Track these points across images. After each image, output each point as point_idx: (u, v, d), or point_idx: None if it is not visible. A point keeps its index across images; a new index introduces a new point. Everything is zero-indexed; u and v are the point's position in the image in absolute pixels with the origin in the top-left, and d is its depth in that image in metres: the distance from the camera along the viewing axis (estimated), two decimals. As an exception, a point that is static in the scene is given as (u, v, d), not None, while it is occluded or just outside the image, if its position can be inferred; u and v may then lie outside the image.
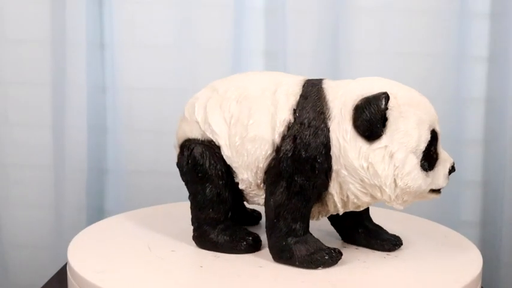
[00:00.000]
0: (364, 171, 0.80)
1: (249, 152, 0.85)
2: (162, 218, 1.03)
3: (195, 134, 0.89)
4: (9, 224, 1.38)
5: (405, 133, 0.79)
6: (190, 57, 1.31)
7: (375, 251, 0.90)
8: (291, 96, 0.85)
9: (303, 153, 0.81)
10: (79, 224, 1.31)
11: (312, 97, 0.83)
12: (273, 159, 0.84)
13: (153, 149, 1.34)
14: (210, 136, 0.88)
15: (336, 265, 0.84)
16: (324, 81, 0.86)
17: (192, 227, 0.91)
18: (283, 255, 0.83)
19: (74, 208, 1.34)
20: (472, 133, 1.32)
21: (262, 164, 0.85)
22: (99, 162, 1.37)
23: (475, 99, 1.31)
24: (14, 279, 1.39)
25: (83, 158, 1.33)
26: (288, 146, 0.82)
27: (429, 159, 0.82)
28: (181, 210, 1.07)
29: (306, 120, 0.82)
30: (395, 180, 0.80)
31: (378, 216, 1.01)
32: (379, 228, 0.93)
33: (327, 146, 0.81)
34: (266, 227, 0.85)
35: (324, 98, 0.83)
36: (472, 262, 0.87)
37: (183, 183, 0.91)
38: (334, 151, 0.81)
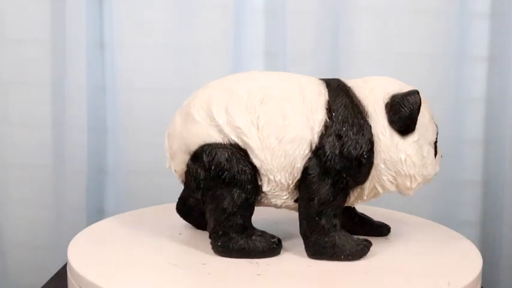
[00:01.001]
0: (402, 164, 0.86)
1: (287, 153, 0.85)
2: (162, 218, 1.03)
3: (215, 138, 0.85)
4: (9, 224, 1.37)
5: (426, 127, 0.88)
6: (190, 58, 1.31)
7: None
8: (320, 96, 0.87)
9: (352, 150, 0.85)
10: (79, 224, 1.31)
11: (342, 96, 0.87)
12: (309, 158, 0.85)
13: (153, 149, 1.34)
14: (236, 139, 0.84)
15: (325, 266, 0.84)
16: (343, 81, 0.90)
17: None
18: (326, 251, 0.86)
19: (73, 208, 1.34)
20: (472, 133, 1.32)
21: (300, 164, 0.85)
22: (99, 163, 1.37)
23: (475, 99, 1.31)
24: (14, 279, 1.39)
25: (83, 158, 1.33)
26: (334, 144, 0.85)
27: (435, 148, 0.90)
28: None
29: (348, 119, 0.85)
30: (422, 170, 0.87)
31: (378, 217, 1.02)
32: (367, 216, 0.98)
33: (371, 142, 0.85)
34: (304, 226, 0.86)
35: (355, 96, 0.87)
36: (472, 262, 0.87)
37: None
38: (376, 147, 0.86)
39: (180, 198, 0.98)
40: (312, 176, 0.85)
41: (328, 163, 0.84)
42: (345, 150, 0.84)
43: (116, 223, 1.02)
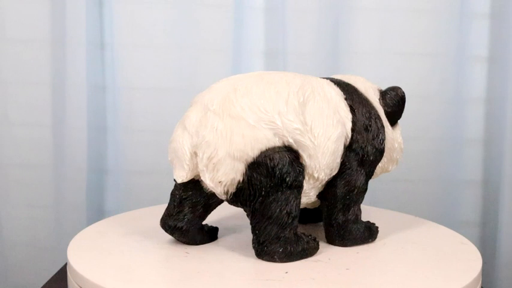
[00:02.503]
0: (394, 151, 0.96)
1: (334, 150, 0.86)
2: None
3: (274, 142, 0.82)
4: (9, 224, 1.38)
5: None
6: (190, 57, 1.31)
7: (370, 249, 0.91)
8: (338, 94, 0.90)
9: (380, 141, 0.92)
10: (79, 224, 1.31)
11: (353, 94, 0.92)
12: (346, 154, 0.89)
13: (153, 149, 1.34)
14: (291, 141, 0.83)
15: (337, 264, 0.84)
16: (342, 79, 0.94)
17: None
18: (363, 236, 0.92)
19: (74, 208, 1.34)
20: (472, 133, 1.32)
21: (339, 159, 0.88)
22: (99, 162, 1.37)
23: (475, 99, 1.31)
24: (14, 279, 1.39)
25: (83, 158, 1.33)
26: (365, 138, 0.90)
27: None
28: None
29: (366, 113, 0.91)
30: (401, 155, 0.99)
31: (377, 217, 1.02)
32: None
33: (385, 133, 0.93)
34: (339, 216, 0.90)
35: (362, 94, 0.93)
36: (471, 262, 0.87)
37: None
38: (386, 137, 0.94)
39: (171, 216, 0.89)
40: (350, 169, 0.89)
41: (365, 156, 0.90)
42: (375, 141, 0.91)
43: (116, 223, 1.02)
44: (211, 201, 0.88)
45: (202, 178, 0.84)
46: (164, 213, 0.90)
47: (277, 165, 0.82)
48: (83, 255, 0.88)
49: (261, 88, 0.85)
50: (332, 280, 0.81)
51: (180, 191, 0.88)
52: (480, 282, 0.86)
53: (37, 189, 1.36)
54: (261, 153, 0.82)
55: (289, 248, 0.85)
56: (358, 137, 0.89)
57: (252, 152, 0.81)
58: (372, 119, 0.91)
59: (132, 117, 1.33)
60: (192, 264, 0.85)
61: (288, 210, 0.83)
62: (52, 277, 1.03)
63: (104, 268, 0.83)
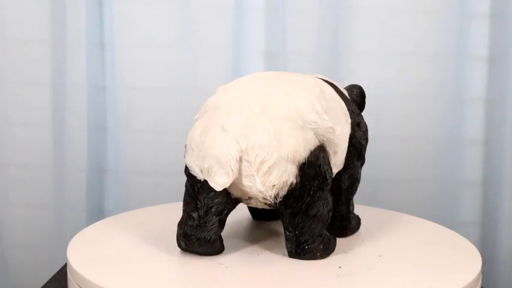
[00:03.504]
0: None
1: (346, 148, 0.90)
2: (162, 218, 1.03)
3: (316, 141, 0.83)
4: (9, 224, 1.37)
5: None
6: (190, 57, 1.31)
7: (369, 249, 0.90)
8: (337, 95, 0.92)
9: (367, 134, 0.97)
10: (79, 224, 1.31)
11: (339, 91, 0.94)
12: (349, 149, 0.91)
13: (153, 149, 1.34)
14: (325, 140, 0.84)
15: (335, 266, 0.85)
16: (325, 79, 0.96)
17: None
18: (357, 225, 0.98)
19: (74, 208, 1.34)
20: (472, 133, 1.32)
21: (345, 155, 0.91)
22: (99, 162, 1.37)
23: (475, 99, 1.31)
24: (14, 279, 1.39)
25: (83, 158, 1.33)
26: (359, 133, 0.94)
27: None
28: (181, 210, 1.07)
29: (354, 109, 0.94)
30: None
31: (377, 217, 1.02)
32: None
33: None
34: (343, 208, 0.94)
35: (344, 93, 0.96)
36: (471, 262, 0.87)
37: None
38: None
39: (197, 227, 0.84)
40: (352, 164, 0.93)
41: (361, 149, 0.94)
42: (365, 136, 0.96)
43: (116, 223, 1.02)
44: (233, 207, 0.86)
45: (246, 183, 0.81)
46: (184, 226, 0.84)
47: (323, 164, 0.83)
48: (83, 255, 0.88)
49: (294, 89, 0.85)
50: (329, 281, 0.81)
51: (207, 200, 0.82)
52: (480, 282, 0.86)
53: (37, 189, 1.36)
54: (311, 153, 0.82)
55: (327, 244, 0.87)
56: (355, 133, 0.92)
57: (304, 152, 0.81)
58: (359, 115, 0.96)
59: (132, 117, 1.33)
60: (193, 264, 0.85)
61: (329, 207, 0.85)
62: (52, 277, 1.03)
63: (104, 268, 0.83)
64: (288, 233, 0.85)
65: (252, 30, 1.31)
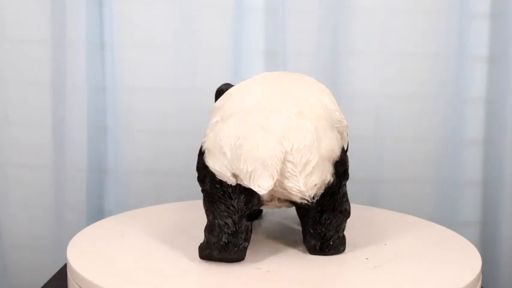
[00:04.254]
0: None
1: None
2: (162, 218, 1.03)
3: (340, 139, 0.88)
4: (9, 224, 1.37)
5: None
6: (190, 57, 1.31)
7: (369, 250, 0.91)
8: None
9: None
10: (79, 224, 1.31)
11: None
12: None
13: (153, 148, 1.34)
14: (341, 138, 0.88)
15: (337, 265, 0.85)
16: None
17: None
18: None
19: (74, 208, 1.34)
20: (472, 133, 1.32)
21: None
22: (99, 162, 1.37)
23: (475, 99, 1.31)
24: (14, 279, 1.39)
25: (83, 158, 1.33)
26: None
27: None
28: (182, 210, 1.07)
29: None
30: None
31: (377, 217, 1.02)
32: None
33: None
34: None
35: None
36: (471, 262, 0.87)
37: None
38: None
39: (235, 234, 0.82)
40: None
41: None
42: None
43: (116, 223, 1.02)
44: (260, 210, 0.87)
45: (288, 184, 0.82)
46: (220, 234, 0.82)
47: (348, 161, 0.86)
48: (83, 255, 0.88)
49: (316, 88, 0.87)
50: (327, 279, 0.81)
51: (240, 204, 0.82)
52: (480, 282, 0.86)
53: (37, 190, 1.36)
54: (341, 151, 0.85)
55: (345, 239, 0.89)
56: None
57: (338, 150, 0.84)
58: None
59: (132, 117, 1.33)
60: (194, 263, 0.85)
61: (349, 204, 0.88)
62: (52, 277, 1.03)
63: (104, 268, 0.83)
64: (312, 231, 0.86)
65: (252, 30, 1.31)
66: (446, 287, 0.80)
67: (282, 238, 0.95)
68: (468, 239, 0.97)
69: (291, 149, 0.80)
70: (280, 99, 0.83)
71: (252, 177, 0.80)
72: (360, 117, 1.29)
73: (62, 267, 1.05)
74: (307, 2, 1.28)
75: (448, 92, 1.30)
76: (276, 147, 0.80)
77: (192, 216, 1.03)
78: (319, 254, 0.87)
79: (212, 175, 0.82)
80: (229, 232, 0.82)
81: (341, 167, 0.84)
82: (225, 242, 0.82)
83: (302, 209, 0.85)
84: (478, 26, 1.29)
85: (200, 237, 0.94)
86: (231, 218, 0.81)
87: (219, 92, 0.93)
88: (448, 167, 1.32)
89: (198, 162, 0.85)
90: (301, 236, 0.89)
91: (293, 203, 0.85)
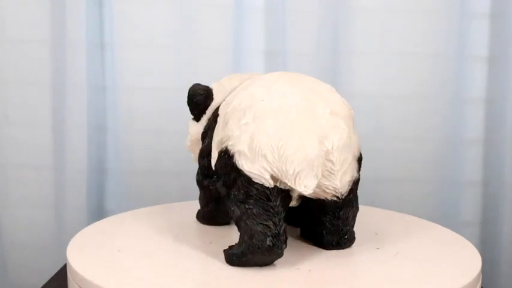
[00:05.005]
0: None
1: None
2: (162, 218, 1.03)
3: None
4: (9, 224, 1.37)
5: None
6: (190, 57, 1.31)
7: (369, 251, 0.91)
8: None
9: None
10: (79, 224, 1.31)
11: None
12: None
13: (153, 148, 1.34)
14: None
15: (333, 264, 0.85)
16: None
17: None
18: None
19: (74, 208, 1.34)
20: (472, 133, 1.32)
21: None
22: (99, 162, 1.37)
23: (475, 99, 1.31)
24: (14, 279, 1.39)
25: (83, 158, 1.33)
26: None
27: None
28: (182, 210, 1.07)
29: None
30: None
31: (377, 217, 1.02)
32: None
33: None
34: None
35: None
36: (471, 262, 0.87)
37: None
38: None
39: (279, 234, 0.81)
40: None
41: None
42: None
43: (116, 223, 1.02)
44: None
45: (326, 182, 0.83)
46: (264, 238, 0.80)
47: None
48: (83, 255, 0.88)
49: (330, 88, 0.88)
50: (328, 279, 0.81)
51: (279, 206, 0.81)
52: (480, 282, 0.86)
53: (37, 189, 1.36)
54: (360, 148, 0.88)
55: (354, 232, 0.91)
56: None
57: (359, 147, 0.88)
58: None
59: (132, 117, 1.33)
60: (194, 263, 0.85)
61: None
62: (52, 277, 1.03)
63: (104, 268, 0.83)
64: (331, 226, 0.87)
65: (252, 30, 1.31)
66: (446, 287, 0.80)
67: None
68: (468, 239, 0.97)
69: (332, 148, 0.81)
70: (314, 100, 0.83)
71: (297, 177, 0.80)
72: (360, 117, 1.29)
73: (62, 267, 1.05)
74: (307, 2, 1.28)
75: (448, 92, 1.30)
76: (319, 147, 0.81)
77: (192, 216, 1.03)
78: (334, 249, 0.89)
79: (247, 179, 0.80)
80: (273, 234, 0.80)
81: (360, 162, 0.88)
82: (269, 245, 0.80)
83: (321, 206, 0.86)
84: (478, 26, 1.29)
85: (200, 237, 0.94)
86: (272, 220, 0.80)
87: (199, 94, 0.98)
88: (448, 167, 1.32)
89: (223, 167, 0.83)
90: (299, 233, 0.91)
91: (312, 200, 0.85)
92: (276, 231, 0.80)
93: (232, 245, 0.85)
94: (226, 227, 0.99)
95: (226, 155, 0.82)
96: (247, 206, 0.80)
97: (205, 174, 0.95)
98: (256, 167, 0.80)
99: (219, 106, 0.93)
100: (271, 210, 0.80)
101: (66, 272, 0.89)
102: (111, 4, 1.30)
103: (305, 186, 0.80)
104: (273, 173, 0.80)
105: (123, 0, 1.30)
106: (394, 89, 1.31)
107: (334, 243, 0.88)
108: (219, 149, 0.84)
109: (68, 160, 1.33)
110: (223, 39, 1.30)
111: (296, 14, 1.28)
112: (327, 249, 0.89)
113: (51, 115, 1.34)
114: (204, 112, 0.98)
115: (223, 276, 0.81)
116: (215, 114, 0.93)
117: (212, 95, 0.98)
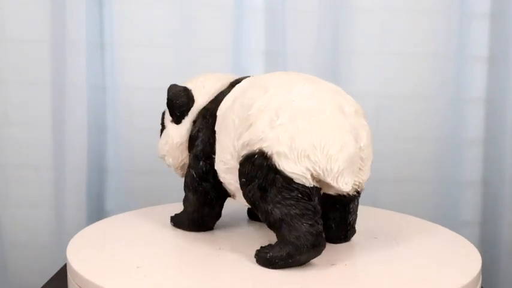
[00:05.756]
0: None
1: None
2: (162, 218, 1.03)
3: None
4: (9, 224, 1.37)
5: None
6: (190, 57, 1.31)
7: (369, 250, 0.91)
8: None
9: None
10: (79, 224, 1.31)
11: None
12: None
13: (153, 148, 1.33)
14: None
15: (332, 265, 0.85)
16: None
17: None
18: None
19: (74, 208, 1.34)
20: (472, 133, 1.32)
21: None
22: (99, 162, 1.37)
23: (475, 99, 1.31)
24: (14, 279, 1.39)
25: (83, 158, 1.33)
26: None
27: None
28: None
29: None
30: None
31: (377, 217, 1.01)
32: None
33: None
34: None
35: None
36: (471, 262, 0.87)
37: None
38: None
39: (321, 232, 0.82)
40: None
41: None
42: None
43: (116, 223, 1.02)
44: None
45: (355, 179, 0.85)
46: (310, 236, 0.80)
47: None
48: (83, 255, 0.88)
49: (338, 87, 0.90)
50: (330, 279, 0.81)
51: (318, 204, 0.82)
52: (480, 282, 0.86)
53: (37, 189, 1.36)
54: None
55: None
56: None
57: None
58: None
59: (132, 117, 1.33)
60: (194, 263, 0.85)
61: None
62: (52, 277, 1.03)
63: (104, 268, 0.83)
64: (341, 220, 0.89)
65: (252, 30, 1.31)
66: (446, 287, 0.80)
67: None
68: (468, 239, 0.97)
69: (363, 146, 0.84)
70: (339, 99, 0.85)
71: (340, 176, 0.81)
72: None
73: (62, 267, 1.05)
74: (307, 2, 1.28)
75: (448, 92, 1.30)
76: (355, 145, 0.83)
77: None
78: (341, 242, 0.91)
79: (288, 179, 0.80)
80: (318, 233, 0.81)
81: None
82: (316, 244, 0.81)
83: (335, 201, 0.87)
84: (478, 26, 1.29)
85: (200, 237, 0.94)
86: (314, 219, 0.81)
87: (181, 95, 0.97)
88: (448, 167, 1.32)
89: (256, 169, 0.82)
90: None
91: (328, 196, 0.86)
92: (320, 230, 0.81)
93: (264, 248, 0.84)
94: (220, 227, 0.99)
95: (260, 157, 0.81)
96: (289, 207, 0.80)
97: (203, 177, 0.92)
98: (298, 168, 0.80)
99: (204, 107, 0.93)
100: (313, 210, 0.81)
101: (66, 272, 0.89)
102: (111, 4, 1.30)
103: (346, 183, 0.82)
104: (315, 172, 0.80)
105: (123, 0, 1.30)
106: (394, 89, 1.31)
107: (342, 236, 0.91)
108: (247, 152, 0.82)
109: (68, 160, 1.33)
110: (223, 39, 1.30)
111: (296, 14, 1.28)
112: (335, 243, 0.90)
113: (51, 115, 1.34)
114: (186, 114, 0.96)
115: (225, 275, 0.81)
116: (204, 116, 0.92)
117: (193, 96, 0.96)
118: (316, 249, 0.81)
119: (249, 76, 0.95)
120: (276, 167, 0.80)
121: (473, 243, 0.95)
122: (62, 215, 1.35)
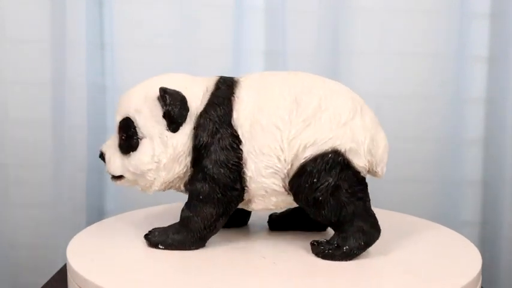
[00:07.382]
0: None
1: None
2: (162, 218, 1.03)
3: None
4: (9, 224, 1.37)
5: None
6: (190, 57, 1.31)
7: (369, 250, 0.90)
8: None
9: None
10: (79, 224, 1.31)
11: None
12: None
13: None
14: None
15: (328, 266, 0.84)
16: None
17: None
18: None
19: (73, 208, 1.34)
20: (472, 133, 1.32)
21: None
22: (99, 162, 1.36)
23: (475, 99, 1.32)
24: (14, 279, 1.39)
25: (83, 158, 1.33)
26: None
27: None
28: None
29: None
30: None
31: (378, 217, 1.01)
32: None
33: None
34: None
35: None
36: (471, 262, 0.87)
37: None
38: None
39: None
40: None
41: None
42: None
43: (116, 223, 1.02)
44: None
45: (373, 170, 0.89)
46: (378, 224, 0.89)
47: None
48: (82, 255, 0.88)
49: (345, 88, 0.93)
50: (330, 278, 0.81)
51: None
52: (480, 282, 0.86)
53: (37, 189, 1.36)
54: None
55: None
56: None
57: None
58: None
59: (132, 117, 1.33)
60: (194, 263, 0.85)
61: None
62: (52, 277, 1.03)
63: (104, 268, 0.83)
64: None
65: (252, 30, 1.31)
66: (447, 286, 0.80)
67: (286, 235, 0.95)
68: (468, 239, 0.97)
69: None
70: (347, 95, 0.90)
71: (384, 165, 0.89)
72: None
73: (62, 267, 1.05)
74: (307, 2, 1.28)
75: (448, 92, 1.30)
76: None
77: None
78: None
79: (356, 173, 0.86)
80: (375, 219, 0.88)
81: None
82: (380, 230, 0.88)
83: None
84: (478, 26, 1.29)
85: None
86: (367, 204, 0.89)
87: (183, 101, 0.87)
88: (448, 167, 1.32)
89: (329, 168, 0.85)
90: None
91: None
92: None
93: (328, 243, 0.87)
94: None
95: (334, 155, 0.84)
96: (363, 200, 0.87)
97: (229, 186, 0.86)
98: (363, 161, 0.87)
99: (205, 111, 0.87)
100: (366, 197, 0.88)
101: (66, 272, 0.89)
102: (111, 4, 1.30)
103: (382, 172, 0.90)
104: (369, 165, 0.88)
105: (123, 0, 1.30)
106: (394, 89, 1.31)
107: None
108: (315, 152, 0.84)
109: (68, 160, 1.33)
110: (223, 39, 1.30)
111: (296, 14, 1.28)
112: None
113: (51, 115, 1.34)
114: (184, 121, 0.88)
115: (224, 274, 0.81)
116: (209, 121, 0.86)
117: (187, 102, 0.88)
118: (380, 233, 0.88)
119: (223, 76, 0.91)
120: (349, 162, 0.85)
121: (473, 243, 0.95)
122: (62, 215, 1.35)
